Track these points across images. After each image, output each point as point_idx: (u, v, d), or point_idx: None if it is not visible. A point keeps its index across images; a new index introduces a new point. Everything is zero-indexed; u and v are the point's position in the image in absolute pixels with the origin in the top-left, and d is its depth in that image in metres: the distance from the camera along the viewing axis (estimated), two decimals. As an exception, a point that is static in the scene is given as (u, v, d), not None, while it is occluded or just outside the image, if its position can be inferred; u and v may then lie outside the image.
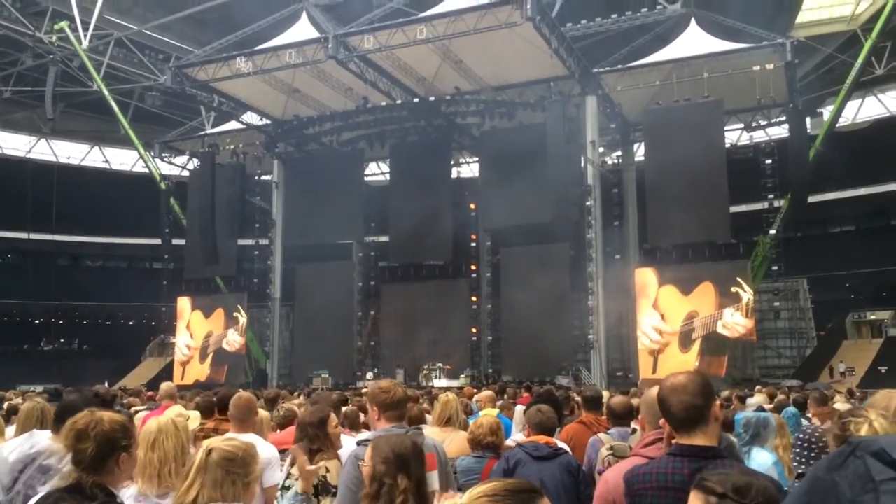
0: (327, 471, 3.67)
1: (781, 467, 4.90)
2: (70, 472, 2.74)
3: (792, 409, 8.98)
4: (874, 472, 0.92)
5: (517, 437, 5.96)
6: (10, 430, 5.03)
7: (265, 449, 4.82)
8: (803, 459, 4.22)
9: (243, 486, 2.53)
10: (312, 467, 3.30)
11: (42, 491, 3.31)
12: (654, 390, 3.35)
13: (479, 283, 37.60)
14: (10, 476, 3.54)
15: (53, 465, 3.37)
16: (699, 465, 2.51)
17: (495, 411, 7.32)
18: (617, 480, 2.84)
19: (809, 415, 8.47)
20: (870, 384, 26.69)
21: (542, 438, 4.64)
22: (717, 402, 2.69)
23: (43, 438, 3.68)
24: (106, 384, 29.45)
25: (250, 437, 4.86)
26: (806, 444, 4.28)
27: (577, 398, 8.98)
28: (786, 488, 2.28)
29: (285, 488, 3.69)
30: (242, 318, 38.30)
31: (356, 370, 36.97)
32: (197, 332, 39.82)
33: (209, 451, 2.53)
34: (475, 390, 12.30)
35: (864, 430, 2.28)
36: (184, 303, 40.39)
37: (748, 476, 1.92)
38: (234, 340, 38.54)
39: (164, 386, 8.86)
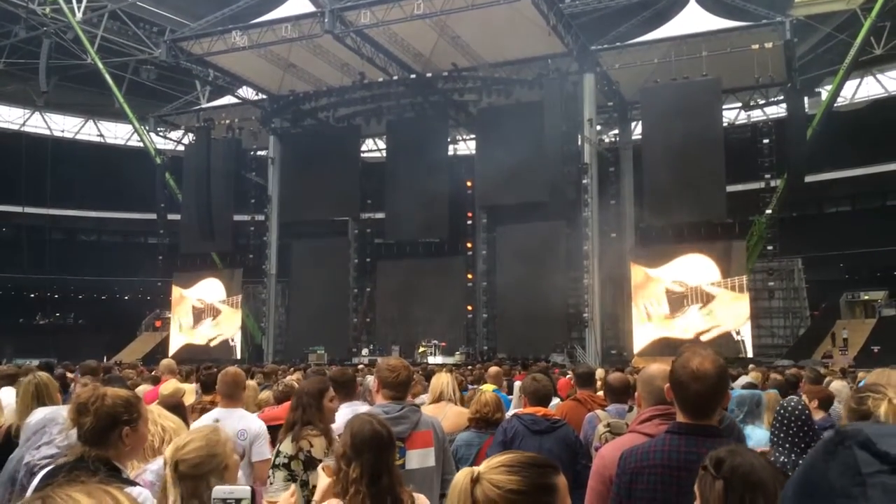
0: (311, 445, 3.70)
1: None
2: (76, 446, 2.77)
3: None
4: (862, 463, 0.93)
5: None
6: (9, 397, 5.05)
7: (253, 423, 4.86)
8: (782, 435, 4.17)
9: (220, 472, 2.55)
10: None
11: (36, 455, 3.32)
12: (654, 368, 3.35)
13: (474, 260, 37.64)
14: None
15: (54, 431, 3.41)
16: (696, 443, 2.51)
17: (492, 387, 7.33)
18: (613, 456, 2.83)
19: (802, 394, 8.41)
20: (863, 364, 26.83)
21: (540, 410, 4.67)
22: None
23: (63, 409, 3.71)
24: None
25: (238, 412, 4.90)
26: (783, 420, 4.21)
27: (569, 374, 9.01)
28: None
29: (276, 466, 3.70)
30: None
31: (352, 346, 37.11)
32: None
33: (175, 466, 2.52)
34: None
35: (882, 408, 2.24)
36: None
37: (740, 454, 1.87)
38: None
39: (164, 362, 9.51)
